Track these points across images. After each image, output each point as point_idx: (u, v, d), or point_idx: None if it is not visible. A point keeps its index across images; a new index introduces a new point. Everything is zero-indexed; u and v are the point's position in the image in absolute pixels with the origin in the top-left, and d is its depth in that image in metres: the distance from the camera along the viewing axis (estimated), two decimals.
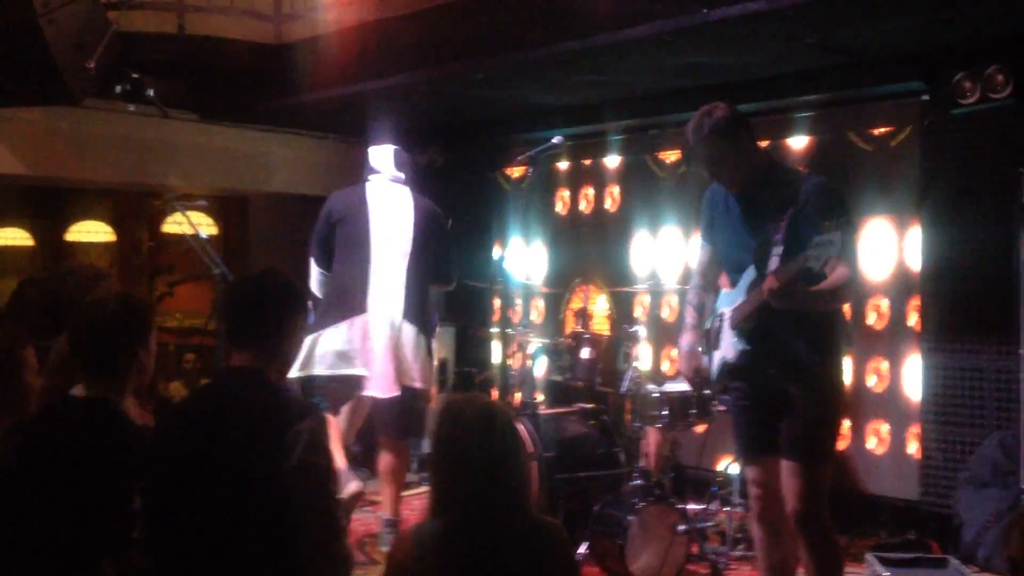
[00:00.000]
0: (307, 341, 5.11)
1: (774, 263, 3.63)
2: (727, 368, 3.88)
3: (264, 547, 2.54)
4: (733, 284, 3.90)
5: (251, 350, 2.76)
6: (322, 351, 5.15)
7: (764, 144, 5.40)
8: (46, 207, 10.45)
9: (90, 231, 10.26)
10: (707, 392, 4.20)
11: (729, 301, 3.90)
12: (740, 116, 3.80)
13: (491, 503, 2.50)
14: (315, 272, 5.38)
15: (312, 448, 2.57)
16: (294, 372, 5.10)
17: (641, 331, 5.64)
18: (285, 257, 8.08)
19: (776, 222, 3.67)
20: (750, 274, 3.76)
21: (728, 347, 3.85)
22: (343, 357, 5.15)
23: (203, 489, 2.58)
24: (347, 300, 5.20)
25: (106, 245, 10.55)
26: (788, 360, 3.71)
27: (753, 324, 3.73)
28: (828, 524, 3.75)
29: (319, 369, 5.15)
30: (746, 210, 3.82)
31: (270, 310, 2.80)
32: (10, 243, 10.21)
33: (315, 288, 5.37)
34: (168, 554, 2.65)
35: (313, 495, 2.56)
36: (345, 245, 5.27)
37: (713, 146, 3.74)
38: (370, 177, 5.49)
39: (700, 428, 5.94)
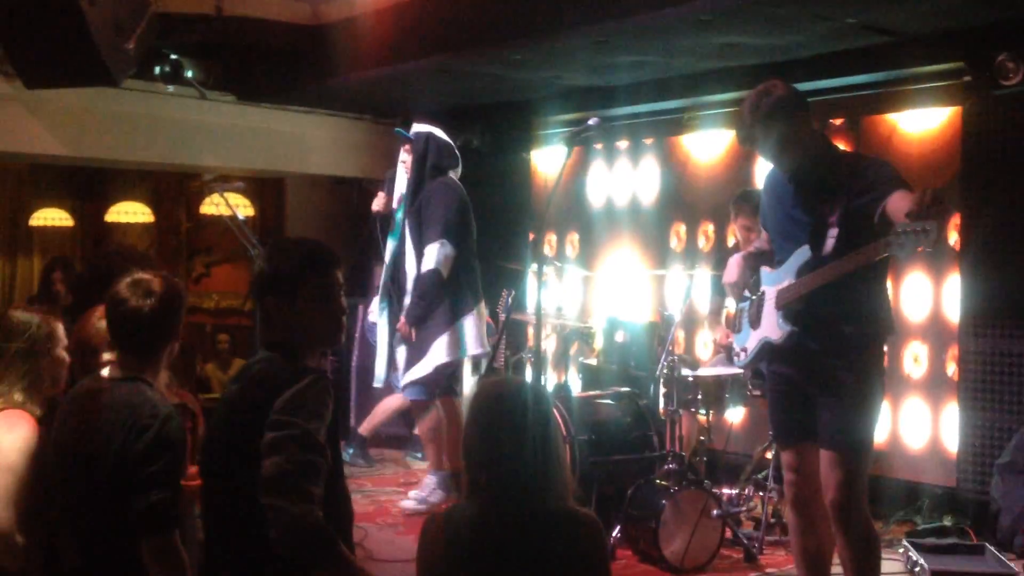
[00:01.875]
0: (462, 323, 5.88)
1: (830, 245, 3.60)
2: (769, 349, 3.85)
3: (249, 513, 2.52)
4: (777, 264, 3.86)
5: (271, 319, 2.75)
6: (474, 332, 5.92)
7: None
8: (86, 188, 10.56)
9: (129, 212, 10.35)
10: (740, 364, 4.16)
11: (773, 280, 3.85)
12: (798, 96, 3.74)
13: (525, 489, 2.48)
14: (452, 256, 5.81)
15: (291, 406, 2.52)
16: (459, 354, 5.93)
17: (676, 315, 5.61)
18: (322, 238, 8.11)
19: (831, 204, 3.63)
20: (801, 254, 3.70)
21: (772, 327, 3.80)
22: (482, 338, 5.98)
23: (224, 447, 2.67)
24: (476, 287, 5.99)
25: (145, 226, 10.64)
26: (836, 342, 3.67)
27: (803, 305, 3.70)
28: (866, 514, 3.72)
29: (475, 349, 5.94)
30: (800, 190, 3.76)
31: (286, 273, 2.72)
32: (51, 223, 10.32)
33: (446, 271, 5.80)
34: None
35: (276, 445, 2.48)
36: (468, 235, 5.96)
37: (770, 126, 3.67)
38: (451, 170, 6.03)
39: (735, 412, 5.92)
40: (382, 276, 6.13)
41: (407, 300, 5.90)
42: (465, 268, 5.93)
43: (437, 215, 5.81)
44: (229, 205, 6.17)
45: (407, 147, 6.00)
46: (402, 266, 5.99)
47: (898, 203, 3.42)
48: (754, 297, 3.96)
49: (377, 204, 6.11)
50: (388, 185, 6.15)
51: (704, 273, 6.07)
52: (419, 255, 5.86)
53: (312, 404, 2.55)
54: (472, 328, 5.92)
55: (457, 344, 5.87)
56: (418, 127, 6.03)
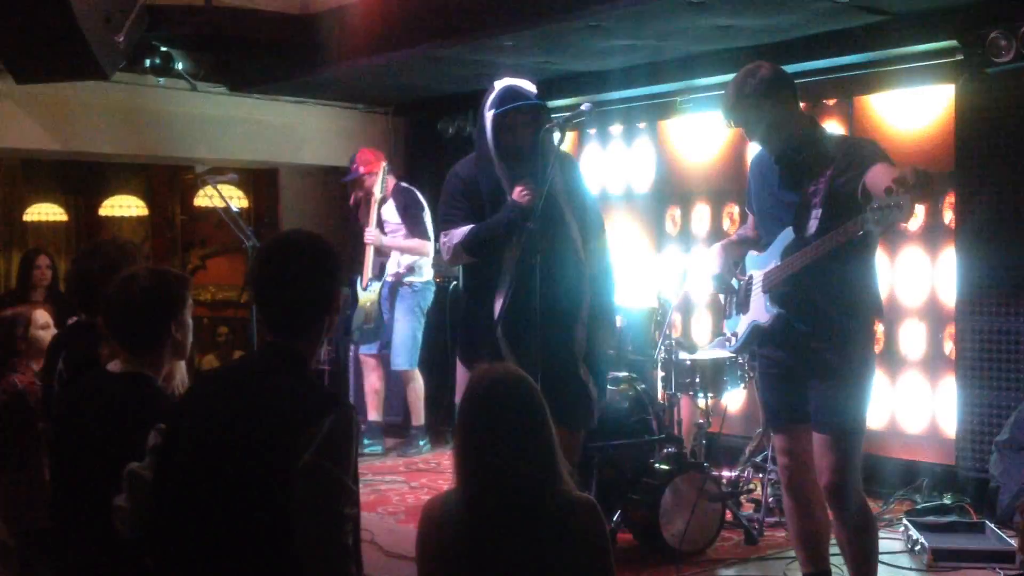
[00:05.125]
0: None
1: (813, 226, 3.59)
2: (759, 332, 3.85)
3: (259, 546, 2.36)
4: (764, 247, 3.86)
5: (286, 326, 2.51)
6: None
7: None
8: (79, 182, 10.55)
9: (123, 205, 10.34)
10: (736, 355, 4.14)
11: (759, 264, 3.85)
12: (784, 76, 3.72)
13: (519, 476, 2.45)
14: None
15: (325, 451, 2.33)
16: None
17: (672, 299, 5.61)
18: (316, 228, 8.09)
19: (815, 184, 3.62)
20: (785, 236, 3.70)
21: (760, 311, 3.80)
22: None
23: (207, 471, 2.41)
24: None
25: (139, 219, 10.64)
26: (823, 324, 3.66)
27: (788, 288, 3.70)
28: (861, 496, 3.72)
29: None
30: (786, 172, 3.74)
31: (308, 278, 2.52)
32: (45, 218, 10.31)
33: None
34: (166, 535, 2.50)
35: (315, 501, 2.32)
36: None
37: (755, 106, 3.66)
38: None
39: (733, 395, 5.92)
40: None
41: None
42: None
43: None
44: (223, 197, 6.16)
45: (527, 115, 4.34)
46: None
47: (877, 176, 3.39)
48: (742, 282, 3.96)
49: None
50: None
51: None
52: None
53: (344, 445, 2.39)
54: None
55: None
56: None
